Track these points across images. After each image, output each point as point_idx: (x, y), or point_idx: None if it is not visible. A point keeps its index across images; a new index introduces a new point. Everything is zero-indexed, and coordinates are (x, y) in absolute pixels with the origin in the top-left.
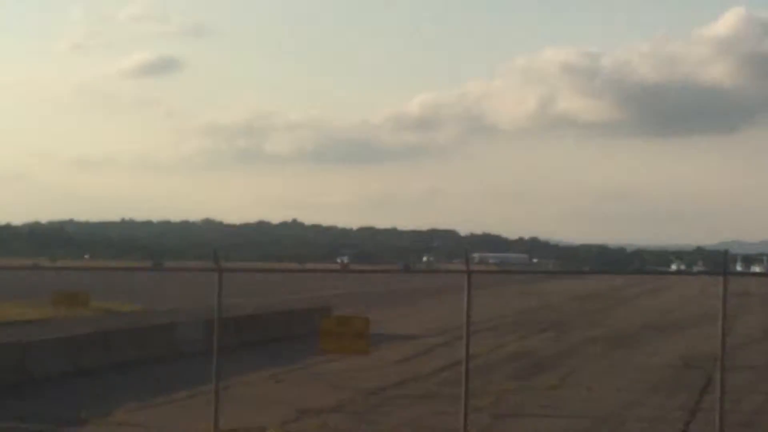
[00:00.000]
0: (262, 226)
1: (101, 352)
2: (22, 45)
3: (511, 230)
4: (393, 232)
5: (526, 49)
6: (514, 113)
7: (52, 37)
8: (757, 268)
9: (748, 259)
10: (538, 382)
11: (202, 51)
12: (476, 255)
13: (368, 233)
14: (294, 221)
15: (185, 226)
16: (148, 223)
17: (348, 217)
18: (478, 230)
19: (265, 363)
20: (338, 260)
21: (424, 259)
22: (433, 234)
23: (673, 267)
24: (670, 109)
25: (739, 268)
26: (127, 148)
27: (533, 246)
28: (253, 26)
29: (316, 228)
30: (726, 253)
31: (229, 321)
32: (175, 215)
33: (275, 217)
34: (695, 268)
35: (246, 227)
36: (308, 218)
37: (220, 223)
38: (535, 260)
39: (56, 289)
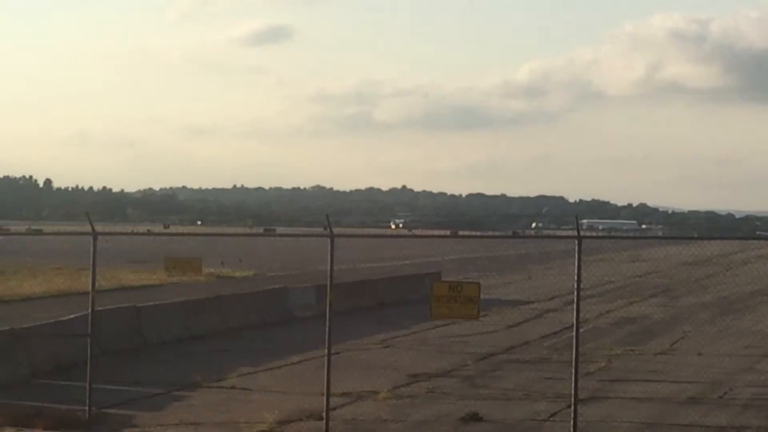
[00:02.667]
0: (371, 193)
1: (214, 316)
2: (134, 15)
3: (619, 196)
4: (502, 199)
5: (634, 16)
6: (622, 80)
7: (162, 7)
8: None
9: None
10: (648, 347)
11: (312, 19)
12: (585, 221)
13: (477, 200)
14: (404, 187)
15: (296, 193)
16: (259, 190)
17: (457, 184)
18: (587, 196)
19: (376, 328)
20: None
21: (533, 225)
22: (542, 200)
23: None
24: None
25: None
26: (238, 115)
27: (642, 212)
28: None
29: (426, 194)
30: None
31: (341, 286)
32: (286, 182)
33: (385, 183)
34: None
35: (356, 193)
36: (418, 185)
37: (331, 190)
38: (644, 226)
39: (169, 255)
